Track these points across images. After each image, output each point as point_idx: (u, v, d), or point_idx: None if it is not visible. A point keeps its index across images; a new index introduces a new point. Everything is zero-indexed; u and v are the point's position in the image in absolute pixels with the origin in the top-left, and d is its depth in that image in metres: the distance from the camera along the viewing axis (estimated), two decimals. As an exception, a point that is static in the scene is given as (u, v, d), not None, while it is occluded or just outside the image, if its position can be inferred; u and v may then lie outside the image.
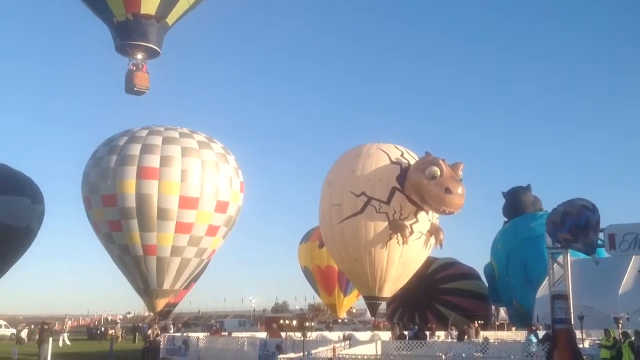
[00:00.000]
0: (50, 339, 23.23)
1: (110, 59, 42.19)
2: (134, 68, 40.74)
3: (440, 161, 27.02)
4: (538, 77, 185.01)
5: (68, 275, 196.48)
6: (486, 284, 39.94)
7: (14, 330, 48.39)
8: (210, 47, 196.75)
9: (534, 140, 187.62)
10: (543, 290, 31.37)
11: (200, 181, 38.07)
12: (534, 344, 21.17)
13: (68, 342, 41.13)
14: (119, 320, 67.86)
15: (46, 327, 24.76)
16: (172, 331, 37.87)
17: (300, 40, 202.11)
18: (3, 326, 53.37)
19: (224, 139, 42.72)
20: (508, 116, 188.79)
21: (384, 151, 29.32)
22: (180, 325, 49.66)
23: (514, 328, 38.30)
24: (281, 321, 30.82)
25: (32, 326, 43.96)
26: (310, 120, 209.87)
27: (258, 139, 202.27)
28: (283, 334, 25.17)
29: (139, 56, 40.48)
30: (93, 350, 33.94)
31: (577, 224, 17.54)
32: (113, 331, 49.26)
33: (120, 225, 37.22)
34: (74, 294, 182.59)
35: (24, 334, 44.28)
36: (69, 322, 70.39)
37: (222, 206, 39.20)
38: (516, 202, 37.72)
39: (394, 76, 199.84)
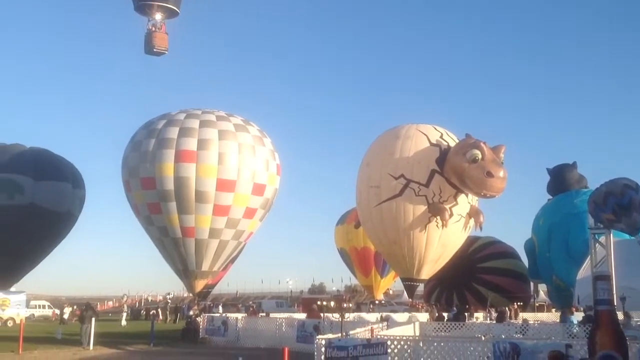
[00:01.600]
0: (93, 319, 23.56)
1: (130, 19, 42.61)
2: (153, 29, 40.92)
3: (482, 144, 26.51)
4: (585, 53, 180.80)
5: (109, 258, 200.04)
6: (526, 262, 39.57)
7: (57, 311, 49.47)
8: (233, 13, 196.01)
9: (580, 117, 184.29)
10: (584, 271, 30.91)
11: (237, 164, 38.18)
12: (574, 326, 20.89)
13: (124, 323, 42.16)
14: (168, 300, 68.78)
15: (89, 307, 25.12)
16: (220, 311, 38.29)
17: (336, 17, 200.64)
18: (47, 307, 54.71)
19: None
20: (554, 95, 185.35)
21: (423, 133, 28.88)
22: (220, 305, 50.11)
23: (553, 309, 37.92)
24: (318, 302, 30.95)
25: (75, 307, 44.96)
26: (346, 101, 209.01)
27: (294, 121, 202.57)
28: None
29: (158, 16, 40.60)
30: (134, 330, 34.50)
31: (620, 204, 17.10)
32: (154, 311, 50.15)
33: (159, 207, 37.62)
34: (115, 275, 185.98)
35: (67, 314, 45.36)
36: (126, 302, 71.81)
37: (259, 189, 39.29)
38: (561, 180, 37.12)
39: (432, 55, 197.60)
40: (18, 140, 45.37)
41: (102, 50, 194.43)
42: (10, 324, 37.78)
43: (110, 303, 75.94)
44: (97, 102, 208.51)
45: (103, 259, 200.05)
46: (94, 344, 22.54)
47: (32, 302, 53.12)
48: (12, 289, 43.90)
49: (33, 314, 49.43)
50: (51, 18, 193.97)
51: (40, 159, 42.81)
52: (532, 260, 37.59)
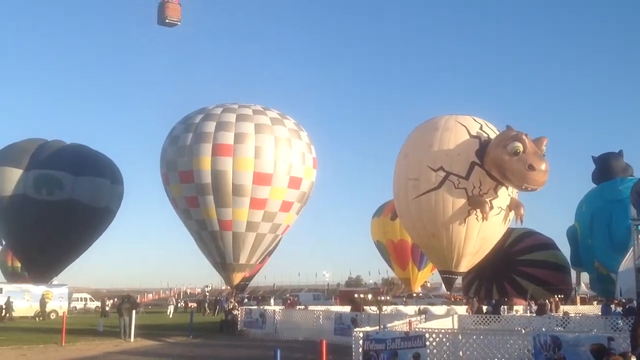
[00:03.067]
0: (134, 311, 23.85)
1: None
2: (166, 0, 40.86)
3: (523, 136, 25.95)
4: (632, 38, 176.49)
5: (149, 251, 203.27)
6: (565, 253, 39.35)
7: (98, 304, 50.32)
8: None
9: (626, 106, 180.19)
10: (626, 262, 30.24)
11: (274, 157, 38.21)
12: (618, 317, 20.43)
13: (170, 314, 42.89)
14: (207, 293, 69.63)
15: (126, 300, 25.44)
16: (272, 304, 38.31)
17: (370, 6, 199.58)
18: (88, 299, 55.72)
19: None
20: (601, 81, 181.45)
21: (462, 124, 28.40)
22: (259, 297, 50.30)
23: (595, 302, 37.28)
24: (356, 295, 30.88)
25: (116, 299, 45.70)
26: (383, 93, 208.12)
27: (330, 114, 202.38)
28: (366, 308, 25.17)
29: None
30: (173, 322, 34.91)
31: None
32: (193, 304, 50.82)
33: (197, 201, 37.90)
34: (154, 268, 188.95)
35: (108, 306, 46.13)
36: (173, 294, 73.04)
37: (295, 182, 39.30)
38: (606, 168, 36.49)
39: (470, 44, 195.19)
40: (59, 136, 46.25)
41: (136, 47, 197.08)
42: (53, 316, 38.54)
43: (150, 295, 77.08)
44: (135, 98, 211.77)
45: (143, 253, 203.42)
46: (134, 336, 22.81)
47: (74, 295, 54.19)
48: (55, 281, 44.83)
49: (75, 307, 50.41)
50: (79, 18, 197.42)
51: (79, 155, 43.55)
52: (574, 247, 37.08)
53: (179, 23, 37.44)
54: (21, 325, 29.51)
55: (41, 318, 37.93)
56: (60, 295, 41.07)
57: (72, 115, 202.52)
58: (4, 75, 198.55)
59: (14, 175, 40.88)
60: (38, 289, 40.24)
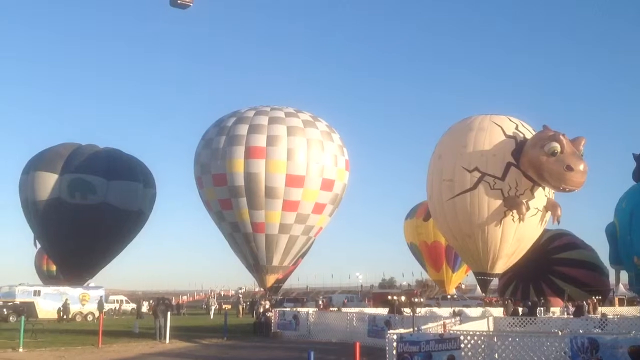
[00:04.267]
0: (169, 313, 24.04)
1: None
2: None
3: (561, 136, 25.46)
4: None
5: (183, 253, 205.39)
6: (600, 253, 38.89)
7: (134, 305, 50.87)
8: None
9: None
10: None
11: (306, 159, 38.26)
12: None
13: (211, 316, 43.41)
14: (240, 295, 70.05)
15: (161, 302, 25.64)
16: (319, 304, 38.23)
17: (403, 6, 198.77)
18: (124, 301, 56.40)
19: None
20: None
21: (497, 124, 28.00)
22: (304, 299, 50.15)
23: (635, 303, 36.60)
24: (389, 297, 30.67)
25: (152, 301, 46.16)
26: (415, 93, 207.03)
27: (363, 116, 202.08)
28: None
29: None
30: (208, 324, 35.14)
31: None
32: (227, 306, 51.15)
33: (230, 203, 38.13)
34: (189, 270, 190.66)
35: (144, 308, 46.63)
36: (213, 296, 73.95)
37: (327, 184, 39.28)
38: (647, 165, 35.70)
39: (505, 43, 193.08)
40: (92, 140, 47.00)
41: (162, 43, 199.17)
42: (90, 318, 39.12)
43: (185, 297, 77.80)
44: (168, 102, 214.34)
45: (176, 255, 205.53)
46: (169, 338, 22.99)
47: (110, 297, 54.90)
48: (92, 284, 45.51)
49: (111, 309, 51.14)
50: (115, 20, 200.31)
51: (112, 159, 44.18)
52: (613, 244, 36.44)
53: (191, 4, 37.20)
54: (59, 328, 29.98)
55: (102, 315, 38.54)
56: (97, 297, 41.65)
57: (105, 119, 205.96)
58: (38, 79, 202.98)
59: (49, 179, 41.66)
60: (75, 292, 40.90)
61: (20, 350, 19.15)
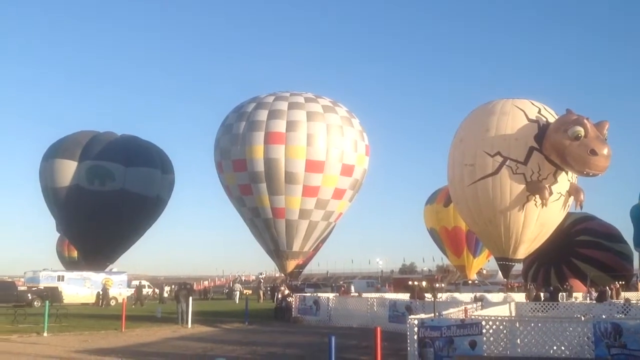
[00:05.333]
0: (190, 298, 24.18)
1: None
2: None
3: (585, 120, 25.07)
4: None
5: (203, 239, 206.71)
6: (628, 245, 38.02)
7: (149, 291, 51.19)
8: None
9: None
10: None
11: (326, 145, 38.20)
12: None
13: (237, 301, 43.97)
14: (261, 280, 70.43)
15: (185, 287, 25.80)
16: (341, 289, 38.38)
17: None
18: (146, 286, 56.88)
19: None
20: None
21: (519, 108, 27.65)
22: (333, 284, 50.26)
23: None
24: (410, 282, 30.59)
25: (174, 286, 46.50)
26: (435, 77, 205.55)
27: (383, 100, 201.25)
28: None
29: None
30: (229, 308, 35.34)
31: None
32: (248, 291, 51.45)
33: (250, 189, 38.25)
34: (209, 256, 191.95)
35: (166, 293, 47.02)
36: (237, 280, 74.60)
37: (347, 169, 39.21)
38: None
39: (526, 26, 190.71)
40: (110, 128, 47.33)
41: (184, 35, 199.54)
42: (113, 303, 39.54)
43: (206, 282, 78.33)
44: (186, 89, 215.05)
45: (197, 240, 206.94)
46: (191, 322, 23.16)
47: (133, 282, 55.41)
48: (114, 269, 45.98)
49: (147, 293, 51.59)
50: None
51: (130, 146, 44.52)
52: (638, 226, 35.88)
53: None
54: (83, 312, 30.35)
55: (139, 304, 39.39)
56: (120, 282, 42.10)
57: (123, 106, 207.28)
58: (57, 67, 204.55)
59: (68, 167, 42.13)
60: (98, 277, 41.37)
61: (45, 334, 19.39)
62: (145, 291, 46.56)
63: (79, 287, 39.64)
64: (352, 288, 41.98)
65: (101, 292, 39.24)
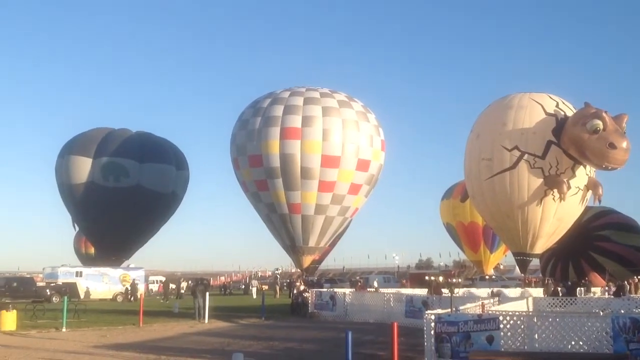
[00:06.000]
0: (207, 293, 24.28)
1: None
2: None
3: (603, 113, 24.78)
4: None
5: (220, 234, 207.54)
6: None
7: (173, 286, 51.54)
8: None
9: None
10: None
11: (342, 140, 38.16)
12: None
13: (254, 296, 43.93)
14: (277, 276, 70.60)
15: (202, 282, 25.94)
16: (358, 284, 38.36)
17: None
18: (156, 282, 57.16)
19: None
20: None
21: (537, 102, 27.37)
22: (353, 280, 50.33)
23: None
24: (426, 277, 30.48)
25: (190, 281, 46.78)
26: (451, 72, 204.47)
27: (399, 95, 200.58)
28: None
29: None
30: (245, 304, 35.47)
31: None
32: (264, 286, 51.63)
33: (266, 184, 38.31)
34: (225, 251, 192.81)
35: (184, 289, 47.29)
36: (254, 276, 74.99)
37: (363, 164, 39.13)
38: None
39: (541, 20, 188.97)
40: (125, 124, 47.57)
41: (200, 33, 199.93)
42: (131, 298, 39.82)
43: (223, 278, 78.66)
44: (200, 85, 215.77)
45: (213, 236, 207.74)
46: (208, 317, 23.26)
47: (150, 278, 55.81)
48: (132, 265, 46.32)
49: (151, 289, 51.97)
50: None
51: (144, 142, 44.78)
52: None
53: None
54: (101, 308, 30.60)
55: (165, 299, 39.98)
56: (137, 278, 42.38)
57: (137, 103, 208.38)
58: (71, 65, 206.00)
59: (83, 163, 42.47)
60: (116, 272, 41.70)
61: (64, 330, 19.56)
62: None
63: (97, 283, 39.99)
64: (375, 283, 41.96)
65: (129, 288, 39.69)
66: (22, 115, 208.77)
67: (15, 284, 35.59)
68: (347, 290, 28.48)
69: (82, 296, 36.61)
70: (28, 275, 49.89)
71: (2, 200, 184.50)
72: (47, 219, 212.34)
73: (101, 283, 40.28)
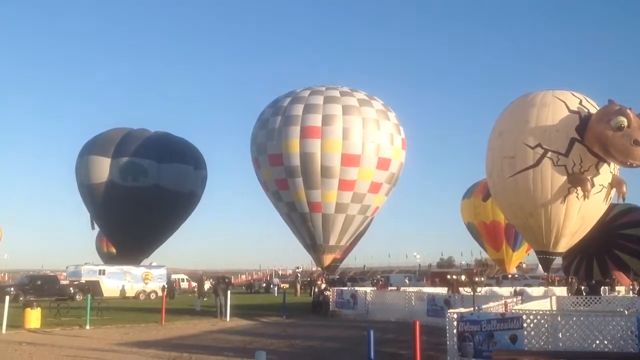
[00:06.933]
0: (229, 291, 24.40)
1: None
2: None
3: (628, 110, 24.46)
4: None
5: (241, 233, 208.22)
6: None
7: (195, 284, 51.89)
8: None
9: None
10: None
11: (362, 139, 38.10)
12: None
13: (275, 293, 44.21)
14: (298, 274, 70.67)
15: (224, 281, 26.07)
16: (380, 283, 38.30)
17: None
18: (185, 280, 57.56)
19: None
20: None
21: (560, 99, 27.06)
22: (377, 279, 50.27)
23: None
24: (448, 276, 30.33)
25: (212, 280, 46.97)
26: (472, 71, 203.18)
27: (419, 94, 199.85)
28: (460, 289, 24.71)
29: None
30: (267, 302, 35.56)
31: None
32: (285, 285, 51.77)
33: (286, 183, 38.38)
34: (248, 250, 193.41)
35: (206, 287, 47.53)
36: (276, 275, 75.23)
37: (383, 163, 39.03)
38: None
39: (564, 16, 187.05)
40: (143, 125, 47.89)
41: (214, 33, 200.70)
42: (152, 296, 40.12)
43: (244, 276, 78.95)
44: (217, 86, 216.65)
45: (234, 234, 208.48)
46: (230, 316, 23.36)
47: (173, 276, 56.13)
48: (154, 263, 46.64)
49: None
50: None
51: (163, 142, 45.06)
52: None
53: None
54: (124, 305, 30.86)
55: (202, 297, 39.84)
56: (159, 276, 42.70)
57: (156, 103, 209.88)
58: (90, 66, 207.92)
59: (102, 164, 42.85)
60: (138, 271, 42.02)
61: (87, 327, 19.77)
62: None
63: (120, 281, 40.33)
64: (407, 281, 41.75)
65: (166, 285, 40.03)
66: (45, 118, 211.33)
67: (39, 282, 36.10)
68: (369, 289, 28.42)
69: (104, 294, 36.99)
70: (52, 274, 50.45)
71: (26, 200, 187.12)
72: (70, 218, 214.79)
73: (124, 281, 40.57)
